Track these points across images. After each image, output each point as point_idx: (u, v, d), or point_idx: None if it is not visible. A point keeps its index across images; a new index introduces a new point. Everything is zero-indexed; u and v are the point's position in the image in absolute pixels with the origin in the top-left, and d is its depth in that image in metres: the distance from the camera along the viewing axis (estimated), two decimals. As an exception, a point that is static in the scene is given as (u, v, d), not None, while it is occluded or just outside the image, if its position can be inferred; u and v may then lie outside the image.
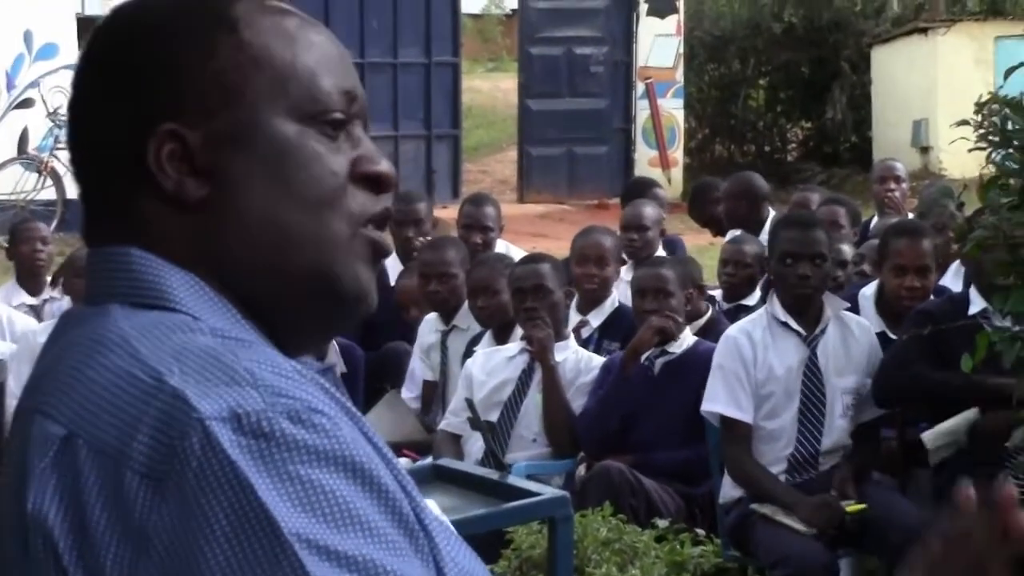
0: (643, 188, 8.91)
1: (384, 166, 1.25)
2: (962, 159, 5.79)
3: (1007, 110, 4.22)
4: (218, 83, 1.18)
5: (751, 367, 5.23)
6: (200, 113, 1.17)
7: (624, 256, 6.94)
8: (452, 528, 1.23)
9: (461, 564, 1.18)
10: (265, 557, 1.02)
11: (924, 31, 16.93)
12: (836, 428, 5.14)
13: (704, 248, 9.31)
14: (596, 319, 6.40)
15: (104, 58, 1.23)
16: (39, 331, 6.59)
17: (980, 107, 4.52)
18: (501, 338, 6.09)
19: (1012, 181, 4.32)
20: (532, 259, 6.21)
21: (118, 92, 1.19)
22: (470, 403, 5.21)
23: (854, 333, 5.30)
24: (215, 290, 1.18)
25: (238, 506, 1.02)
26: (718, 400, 5.20)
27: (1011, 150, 4.37)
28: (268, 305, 1.19)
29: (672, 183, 15.16)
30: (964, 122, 4.62)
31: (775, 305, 5.24)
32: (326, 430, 1.07)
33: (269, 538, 1.02)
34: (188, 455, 1.02)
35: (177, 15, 1.23)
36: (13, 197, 13.20)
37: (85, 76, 1.24)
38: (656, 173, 14.97)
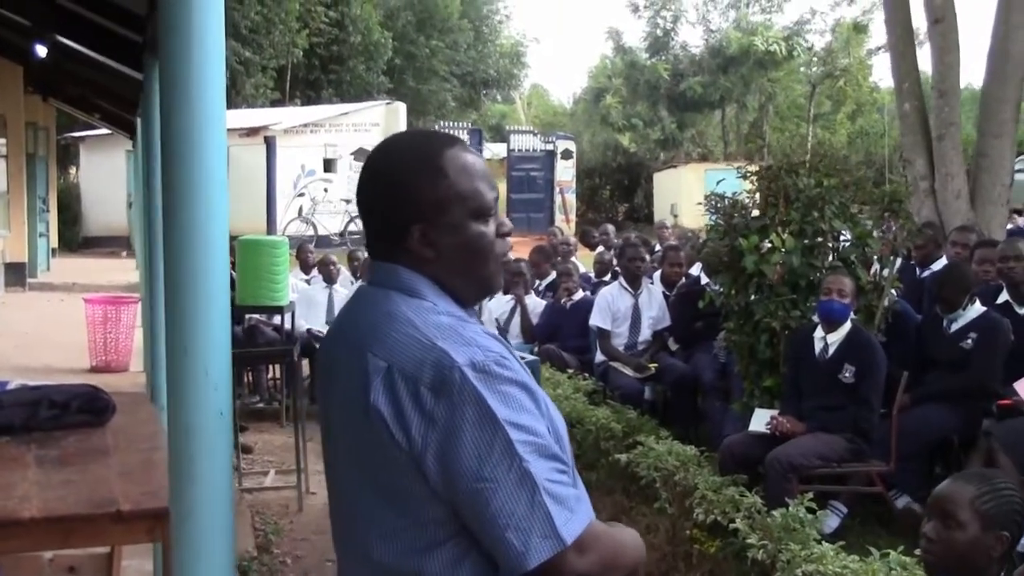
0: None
1: (507, 226, 2.20)
2: (692, 222, 9.97)
3: (715, 201, 8.12)
4: (439, 204, 2.12)
5: (610, 305, 9.64)
6: (431, 218, 2.12)
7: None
8: (549, 398, 2.07)
9: (556, 423, 2.10)
10: (489, 428, 1.95)
11: (675, 166, 35.19)
12: (644, 332, 9.60)
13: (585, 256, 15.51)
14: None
15: (378, 180, 2.17)
16: (308, 289, 11.67)
17: (707, 198, 8.27)
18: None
19: (718, 227, 7.98)
20: (516, 260, 10.89)
21: (391, 202, 2.13)
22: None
23: (652, 292, 9.76)
24: (439, 288, 2.17)
25: (476, 406, 1.96)
26: (597, 319, 9.65)
27: (715, 215, 8.06)
28: (462, 296, 2.20)
29: (572, 228, 26.71)
30: (700, 204, 8.63)
31: (621, 279, 9.83)
32: (510, 367, 2.01)
33: (491, 419, 1.96)
34: (453, 381, 1.97)
35: (414, 162, 2.16)
36: (296, 235, 22.69)
37: (369, 185, 2.18)
38: (565, 226, 26.68)
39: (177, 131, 2.22)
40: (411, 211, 2.16)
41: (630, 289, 9.83)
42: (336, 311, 11.68)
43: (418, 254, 2.16)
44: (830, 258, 7.54)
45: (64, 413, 5.03)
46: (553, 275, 11.68)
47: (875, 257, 7.68)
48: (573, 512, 2.04)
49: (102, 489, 3.94)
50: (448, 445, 1.98)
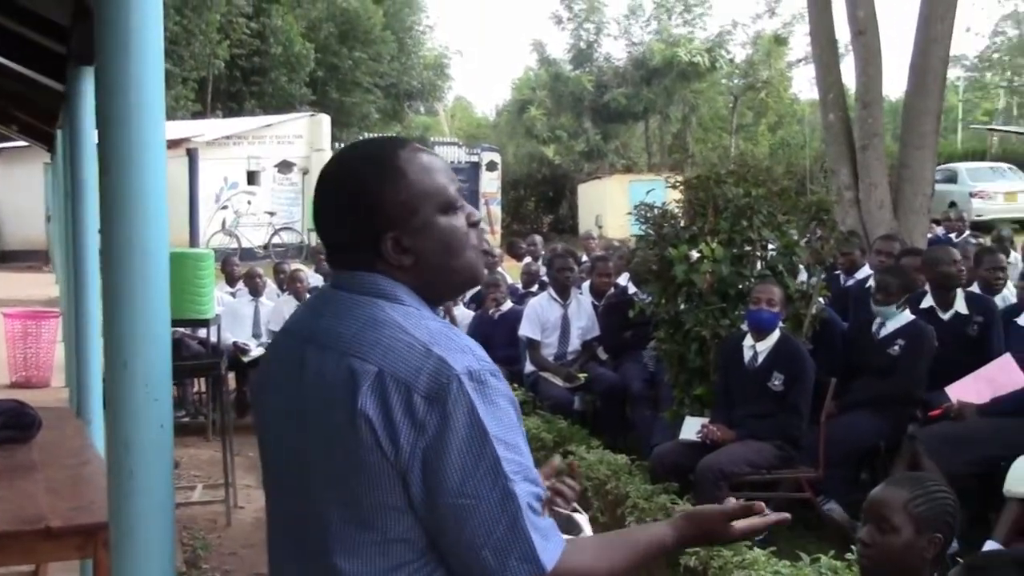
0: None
1: (476, 215, 2.21)
2: (616, 232, 10.12)
3: (644, 211, 8.09)
4: (406, 206, 2.10)
5: (540, 315, 9.65)
6: (401, 224, 2.10)
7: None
8: None
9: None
10: (479, 443, 1.92)
11: (599, 177, 35.44)
12: (574, 342, 9.60)
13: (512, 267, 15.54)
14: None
15: (340, 192, 2.13)
16: (233, 302, 11.63)
17: (636, 208, 8.29)
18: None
19: (648, 236, 8.06)
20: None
21: (357, 213, 2.10)
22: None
23: (582, 303, 9.79)
24: (416, 294, 2.14)
25: (469, 417, 1.93)
26: (526, 329, 9.65)
27: (645, 225, 8.09)
28: (444, 293, 2.23)
29: (497, 240, 27.06)
30: (631, 213, 8.70)
31: (550, 289, 9.85)
32: (502, 380, 1.99)
33: (482, 434, 1.93)
34: (449, 391, 1.93)
35: (372, 168, 2.12)
36: (220, 247, 22.68)
37: (331, 197, 2.14)
38: (490, 237, 28.04)
39: (116, 142, 2.19)
40: (380, 219, 2.12)
41: (559, 299, 9.86)
42: (262, 324, 11.65)
43: (395, 262, 2.13)
44: (759, 267, 7.60)
45: (-6, 429, 4.95)
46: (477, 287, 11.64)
47: (802, 266, 7.75)
48: (548, 539, 2.01)
49: (29, 506, 3.88)
50: (435, 456, 1.94)
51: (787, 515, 2.35)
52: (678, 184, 7.97)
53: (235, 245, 27.49)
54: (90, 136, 5.79)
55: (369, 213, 2.12)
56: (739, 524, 2.28)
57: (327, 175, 2.20)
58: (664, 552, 2.25)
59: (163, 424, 2.24)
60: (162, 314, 2.26)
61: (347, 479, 1.99)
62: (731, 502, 2.28)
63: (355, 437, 1.96)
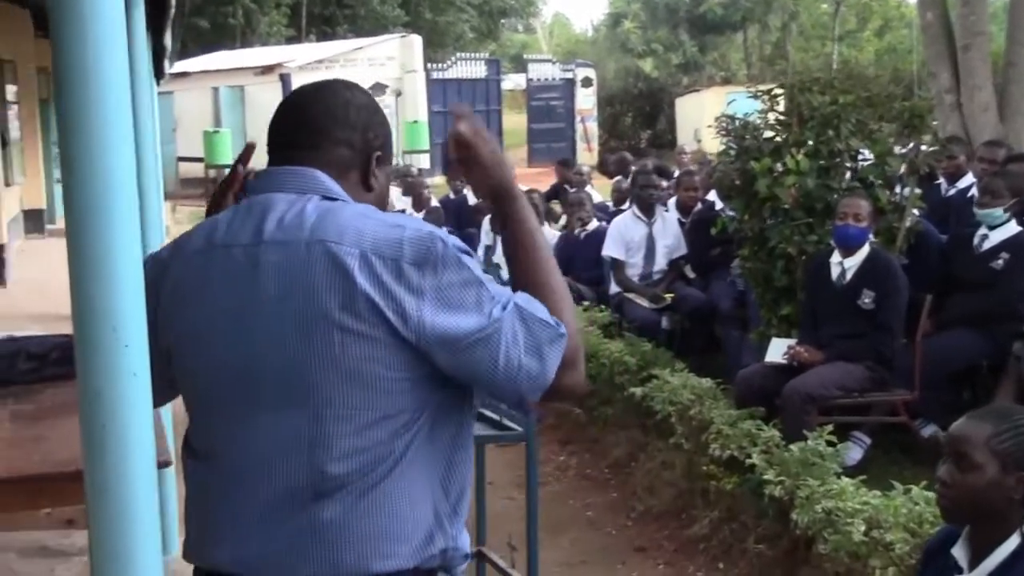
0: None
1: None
2: (715, 146, 9.20)
3: (726, 123, 7.93)
4: (384, 138, 2.34)
5: (624, 234, 9.48)
6: (380, 150, 2.32)
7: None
8: None
9: None
10: (474, 285, 2.11)
11: (697, 90, 35.42)
12: (659, 261, 9.39)
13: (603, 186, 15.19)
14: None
15: (365, 107, 2.32)
16: None
17: (717, 120, 8.26)
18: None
19: (729, 149, 7.76)
20: (529, 192, 10.62)
21: (369, 130, 2.30)
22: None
23: (667, 220, 9.60)
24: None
25: (457, 268, 2.12)
26: (610, 249, 9.47)
27: (727, 138, 7.82)
28: None
29: (594, 157, 26.88)
30: (710, 126, 8.64)
31: (634, 208, 9.67)
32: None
33: (472, 276, 2.12)
34: (435, 251, 2.10)
35: (370, 102, 2.36)
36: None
37: (354, 108, 2.30)
38: (587, 155, 28.64)
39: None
40: (377, 140, 2.33)
41: (644, 218, 9.60)
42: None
43: (364, 181, 2.31)
44: (847, 178, 7.24)
45: (42, 365, 4.86)
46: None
47: (897, 175, 7.37)
48: (550, 314, 2.18)
49: (65, 447, 3.69)
50: (442, 310, 2.08)
51: None
52: (761, 94, 7.59)
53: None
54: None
55: (376, 131, 2.33)
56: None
57: (352, 89, 2.37)
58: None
59: (136, 373, 2.03)
60: (131, 250, 2.05)
61: (341, 360, 2.08)
62: None
63: (353, 317, 2.07)
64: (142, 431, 2.05)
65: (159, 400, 2.11)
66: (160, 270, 2.26)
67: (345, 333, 2.07)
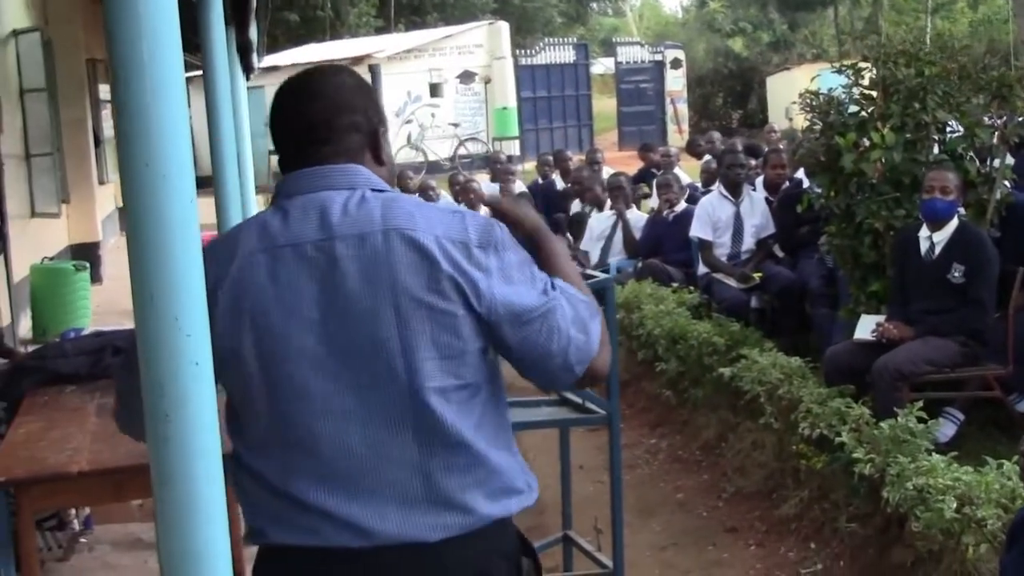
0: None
1: None
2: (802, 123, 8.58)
3: (810, 99, 7.56)
4: (381, 111, 2.48)
5: (711, 215, 9.40)
6: (381, 124, 2.46)
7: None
8: None
9: None
10: (528, 265, 2.33)
11: (788, 68, 34.34)
12: (747, 241, 9.30)
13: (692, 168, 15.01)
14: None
15: (361, 89, 2.45)
16: None
17: (801, 96, 7.73)
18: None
19: (814, 125, 7.56)
20: (616, 174, 11.20)
21: (371, 110, 2.42)
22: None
23: (755, 199, 9.51)
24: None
25: (515, 250, 2.30)
26: (697, 229, 9.42)
27: (811, 114, 7.55)
28: None
29: (684, 139, 25.96)
30: (795, 103, 8.16)
31: (721, 187, 9.59)
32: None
33: (525, 257, 2.34)
34: (495, 234, 2.28)
35: (359, 80, 2.48)
36: (406, 162, 23.27)
37: (354, 93, 2.42)
38: (677, 137, 28.50)
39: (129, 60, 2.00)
40: (377, 116, 2.45)
41: (731, 197, 9.52)
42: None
43: (376, 157, 2.43)
44: (935, 151, 7.10)
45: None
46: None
47: (987, 147, 7.21)
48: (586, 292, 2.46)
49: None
50: (508, 287, 2.26)
51: None
52: (846, 68, 7.46)
53: (421, 159, 27.61)
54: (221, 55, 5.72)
55: (376, 110, 2.45)
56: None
57: (345, 75, 2.47)
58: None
59: (198, 362, 2.04)
60: (191, 241, 2.06)
61: (430, 337, 2.24)
62: None
63: (438, 296, 2.22)
64: (206, 420, 2.07)
65: None
66: (213, 278, 2.23)
67: (432, 311, 2.22)
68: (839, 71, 7.44)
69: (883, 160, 6.89)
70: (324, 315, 2.25)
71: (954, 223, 6.56)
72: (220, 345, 2.14)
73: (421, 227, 2.24)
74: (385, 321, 2.23)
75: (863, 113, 7.19)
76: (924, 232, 6.62)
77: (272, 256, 2.29)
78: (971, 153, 7.09)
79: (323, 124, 2.37)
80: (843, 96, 7.34)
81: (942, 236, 6.54)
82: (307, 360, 2.27)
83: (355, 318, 2.24)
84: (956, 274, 6.47)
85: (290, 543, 2.31)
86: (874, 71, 7.26)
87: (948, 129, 7.18)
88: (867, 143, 7.00)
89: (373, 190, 2.33)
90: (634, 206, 11.07)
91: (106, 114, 16.78)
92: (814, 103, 7.46)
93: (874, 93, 7.15)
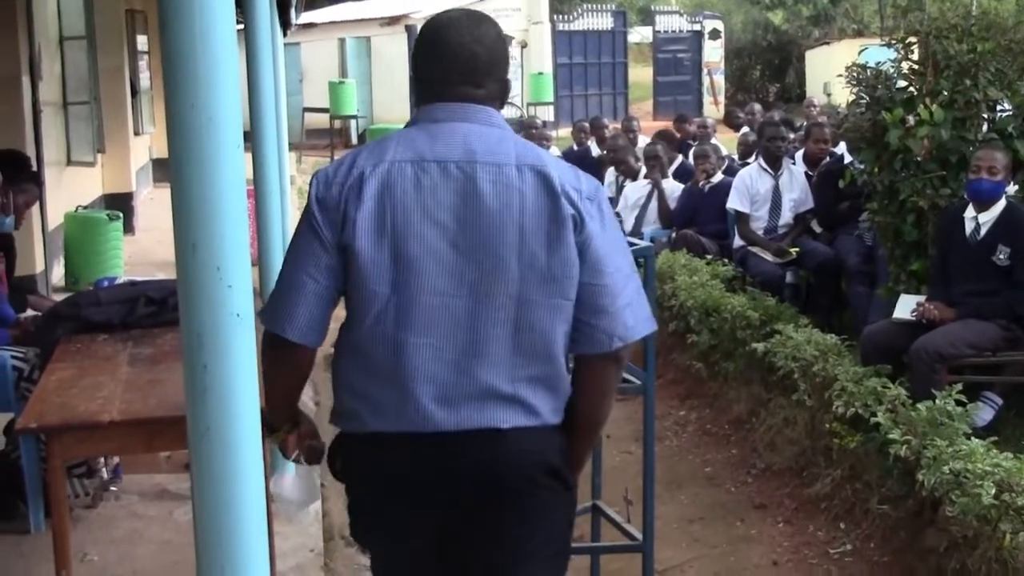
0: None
1: None
2: (842, 98, 8.97)
3: (857, 73, 7.42)
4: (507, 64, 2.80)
5: (749, 187, 9.29)
6: (507, 75, 2.79)
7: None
8: None
9: None
10: (617, 228, 2.78)
11: (828, 43, 33.50)
12: (785, 215, 9.17)
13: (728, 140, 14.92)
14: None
15: (501, 39, 2.77)
16: None
17: (847, 69, 7.55)
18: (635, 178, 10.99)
19: (859, 99, 7.38)
20: (652, 143, 11.04)
21: (500, 63, 2.73)
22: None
23: (794, 173, 9.37)
24: None
25: (610, 212, 2.75)
26: (735, 202, 9.31)
27: (858, 88, 7.39)
28: None
29: (720, 111, 26.95)
30: (840, 76, 7.70)
31: (760, 160, 9.47)
32: None
33: (615, 221, 2.78)
34: (598, 191, 2.72)
35: (502, 32, 2.81)
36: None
37: (499, 43, 2.75)
38: (712, 108, 29.18)
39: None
40: (508, 69, 2.80)
41: (770, 170, 9.38)
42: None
43: (503, 104, 2.79)
44: (984, 130, 6.96)
45: (162, 310, 4.95)
46: (679, 160, 11.55)
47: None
48: None
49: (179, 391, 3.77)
50: (601, 240, 2.65)
51: None
52: (895, 42, 7.30)
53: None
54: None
55: (505, 60, 2.78)
56: None
57: (493, 26, 2.76)
58: None
59: (239, 313, 2.01)
60: (235, 192, 2.01)
61: (545, 257, 2.60)
62: None
63: (558, 226, 2.60)
64: (245, 372, 2.06)
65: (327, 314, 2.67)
66: (355, 182, 2.61)
67: (550, 237, 2.60)
68: (887, 44, 7.28)
69: (930, 137, 6.75)
70: (459, 223, 2.59)
71: (1001, 204, 6.44)
72: (357, 234, 2.58)
73: (550, 166, 2.64)
74: (510, 236, 2.58)
75: (911, 89, 7.04)
76: (970, 212, 6.50)
77: (419, 167, 2.62)
78: (1021, 133, 6.93)
79: (481, 70, 2.69)
80: (891, 70, 7.18)
81: (988, 217, 6.43)
82: (435, 259, 2.59)
83: (484, 231, 2.59)
84: (1001, 256, 6.36)
85: (385, 430, 2.65)
86: (923, 46, 7.09)
87: (999, 108, 7.03)
88: (914, 119, 6.85)
89: (506, 132, 2.70)
90: (670, 175, 10.95)
91: (143, 65, 16.78)
92: (861, 77, 7.32)
93: (924, 68, 6.98)
